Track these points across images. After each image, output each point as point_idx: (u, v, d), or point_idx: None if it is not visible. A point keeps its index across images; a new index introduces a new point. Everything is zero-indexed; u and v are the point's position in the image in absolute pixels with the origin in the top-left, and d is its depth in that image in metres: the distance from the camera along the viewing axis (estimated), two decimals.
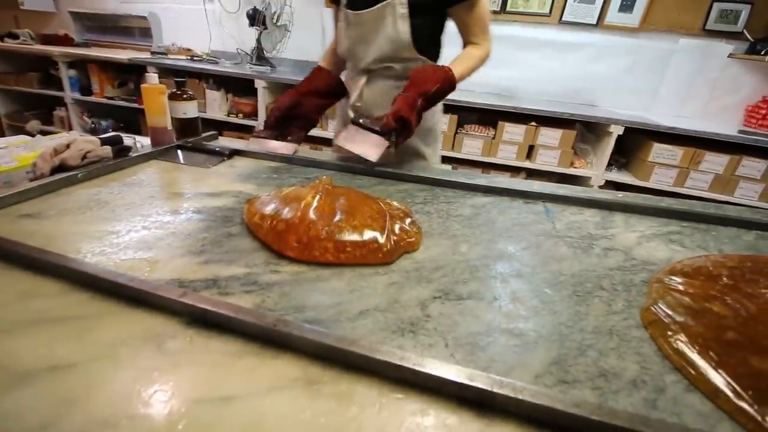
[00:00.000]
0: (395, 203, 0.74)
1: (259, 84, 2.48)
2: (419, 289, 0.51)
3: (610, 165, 2.17)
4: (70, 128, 3.20)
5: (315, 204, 0.62)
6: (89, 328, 0.40)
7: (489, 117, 2.28)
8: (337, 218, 0.60)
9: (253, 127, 2.63)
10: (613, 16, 2.42)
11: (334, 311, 0.45)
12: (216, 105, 2.67)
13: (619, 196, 0.95)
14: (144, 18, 3.09)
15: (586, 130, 2.28)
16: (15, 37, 3.31)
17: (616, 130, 2.02)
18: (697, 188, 2.06)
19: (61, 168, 0.78)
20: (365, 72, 1.07)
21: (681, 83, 2.41)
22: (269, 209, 0.63)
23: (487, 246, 0.65)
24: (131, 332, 0.40)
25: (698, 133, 1.95)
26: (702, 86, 2.39)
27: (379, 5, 0.96)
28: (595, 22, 2.45)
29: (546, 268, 0.59)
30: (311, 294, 0.48)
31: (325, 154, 1.04)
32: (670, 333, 0.45)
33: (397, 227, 0.62)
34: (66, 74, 2.97)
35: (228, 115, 2.67)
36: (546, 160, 2.20)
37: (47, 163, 0.77)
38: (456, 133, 2.28)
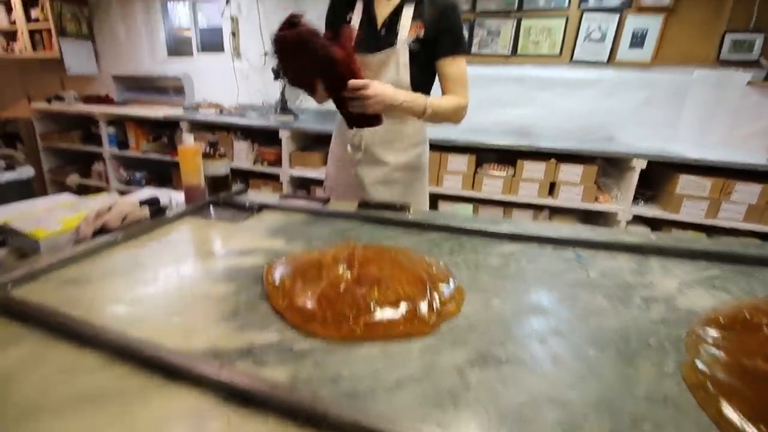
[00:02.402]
0: (431, 261, 0.71)
1: (283, 134, 2.59)
2: (455, 354, 0.49)
3: (636, 198, 2.12)
4: (107, 181, 3.40)
5: (342, 273, 0.61)
6: (130, 406, 0.40)
7: (508, 156, 2.29)
8: (367, 290, 0.57)
9: (278, 175, 2.72)
10: (624, 52, 2.46)
11: (370, 381, 0.44)
12: (243, 155, 2.79)
13: (652, 238, 0.92)
14: (179, 78, 3.34)
15: (607, 164, 2.26)
16: (61, 99, 3.62)
17: (639, 164, 1.99)
18: (732, 219, 1.98)
19: (102, 230, 0.82)
20: None
21: (701, 114, 2.39)
22: (289, 280, 0.62)
23: (521, 300, 0.63)
24: (171, 411, 0.40)
25: (726, 163, 1.91)
26: (723, 115, 2.36)
27: (386, 50, 1.08)
28: (606, 60, 2.49)
29: (585, 324, 0.57)
30: (345, 362, 0.48)
31: (352, 205, 1.06)
32: (714, 397, 0.42)
33: (437, 296, 0.59)
34: (105, 131, 3.20)
35: (254, 164, 2.79)
36: (569, 197, 2.17)
37: (90, 227, 0.81)
38: (475, 172, 2.30)
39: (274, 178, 2.75)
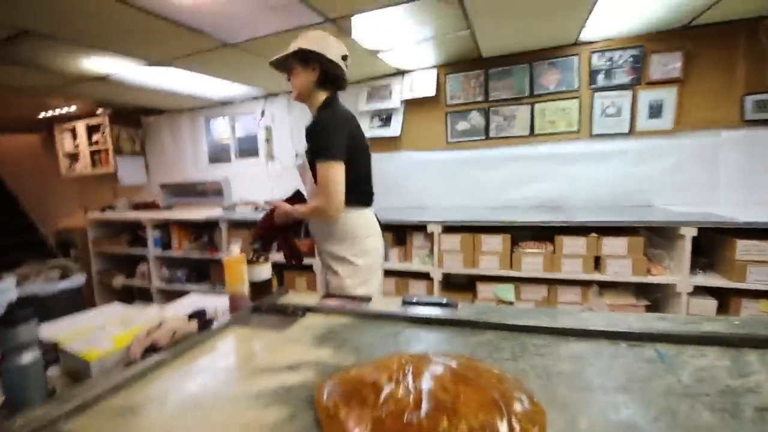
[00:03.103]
0: (500, 373, 0.63)
1: None
2: None
3: (693, 268, 1.97)
4: (150, 280, 3.52)
5: (402, 398, 0.55)
6: None
7: (543, 232, 2.25)
8: (434, 421, 0.50)
9: (312, 265, 2.75)
10: (644, 123, 2.51)
11: None
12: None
13: (736, 323, 0.83)
14: (218, 182, 3.62)
15: (652, 233, 2.16)
16: (112, 208, 3.95)
17: (690, 232, 1.89)
18: None
19: (152, 347, 0.81)
20: None
21: (737, 174, 2.33)
22: (344, 408, 0.57)
23: (610, 418, 0.55)
24: None
25: None
26: (760, 173, 2.28)
27: (300, 161, 1.48)
28: (627, 131, 2.53)
29: None
30: None
31: (395, 302, 1.02)
32: None
33: (516, 422, 0.51)
34: (151, 234, 3.41)
35: None
36: (617, 270, 2.05)
37: (140, 346, 0.80)
38: (512, 251, 2.24)
39: (307, 269, 2.77)
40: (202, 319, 0.91)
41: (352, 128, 1.40)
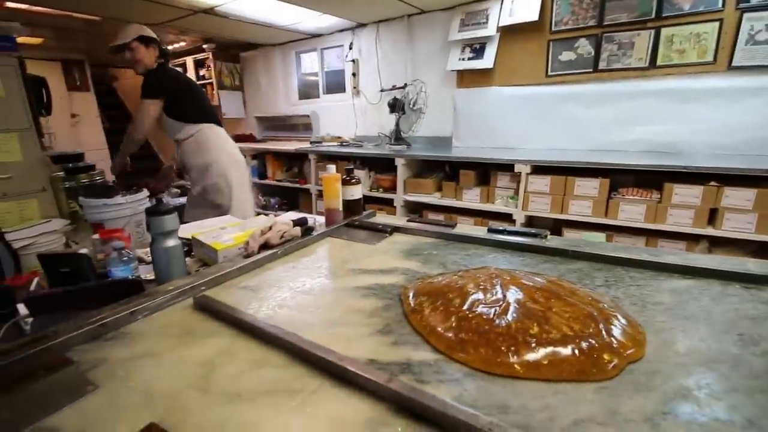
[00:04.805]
0: (597, 295, 0.63)
1: (399, 162, 2.71)
2: (639, 400, 0.43)
3: None
4: None
5: (489, 302, 0.58)
6: (311, 404, 0.44)
7: (650, 178, 2.01)
8: (523, 324, 0.52)
9: (392, 200, 2.84)
10: None
11: (544, 417, 0.41)
12: (361, 182, 3.00)
13: None
14: (307, 116, 3.79)
15: None
16: None
17: None
18: None
19: (265, 245, 0.95)
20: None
21: None
22: (429, 305, 0.61)
23: (711, 346, 0.53)
24: (345, 412, 0.42)
25: None
26: None
27: None
28: None
29: None
30: (512, 393, 0.45)
31: (480, 230, 1.03)
32: None
33: (616, 332, 0.52)
34: (249, 164, 3.76)
35: (370, 191, 2.96)
36: (737, 226, 1.79)
37: (257, 243, 0.94)
38: (609, 197, 2.06)
39: (388, 203, 2.88)
40: (305, 225, 1.03)
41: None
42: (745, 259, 0.80)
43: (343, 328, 0.60)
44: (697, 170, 1.82)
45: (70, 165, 1.75)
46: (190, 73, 4.59)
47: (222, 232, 1.09)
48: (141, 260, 1.08)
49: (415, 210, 2.84)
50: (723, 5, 2.13)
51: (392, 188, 2.86)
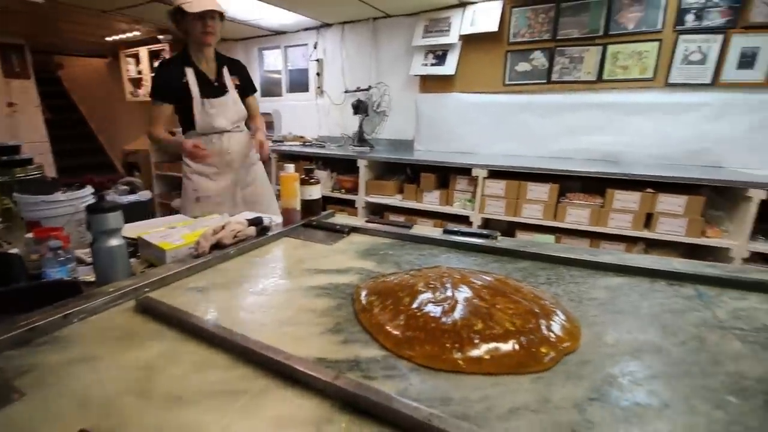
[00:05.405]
0: (539, 293, 0.67)
1: (361, 163, 2.72)
2: (570, 387, 0.46)
3: (755, 234, 1.84)
4: None
5: (437, 300, 0.60)
6: (256, 405, 0.44)
7: (594, 184, 2.15)
8: (468, 321, 0.55)
9: (354, 201, 2.84)
10: (731, 73, 2.23)
11: (482, 407, 0.43)
12: (322, 182, 2.97)
13: None
14: (270, 114, 3.70)
15: (716, 195, 2.01)
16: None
17: (758, 195, 1.74)
18: None
19: (218, 245, 0.92)
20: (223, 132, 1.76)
21: None
22: (379, 303, 0.62)
23: (637, 337, 0.57)
24: (292, 412, 0.42)
25: None
26: None
27: (225, 95, 1.72)
28: (710, 81, 2.27)
29: (720, 369, 0.50)
30: (454, 386, 0.47)
31: (436, 231, 1.06)
32: None
33: (554, 327, 0.56)
34: None
35: (332, 191, 2.95)
36: (669, 229, 1.95)
37: (208, 242, 0.91)
38: (558, 202, 2.18)
39: (349, 204, 2.87)
40: (260, 224, 1.01)
41: None
42: (671, 259, 0.88)
43: (294, 327, 0.60)
44: (635, 178, 1.97)
45: (5, 158, 1.61)
46: (144, 65, 4.36)
47: (171, 232, 1.04)
48: (81, 261, 1.01)
49: (377, 211, 2.86)
50: (663, 26, 2.33)
51: (354, 189, 2.86)
